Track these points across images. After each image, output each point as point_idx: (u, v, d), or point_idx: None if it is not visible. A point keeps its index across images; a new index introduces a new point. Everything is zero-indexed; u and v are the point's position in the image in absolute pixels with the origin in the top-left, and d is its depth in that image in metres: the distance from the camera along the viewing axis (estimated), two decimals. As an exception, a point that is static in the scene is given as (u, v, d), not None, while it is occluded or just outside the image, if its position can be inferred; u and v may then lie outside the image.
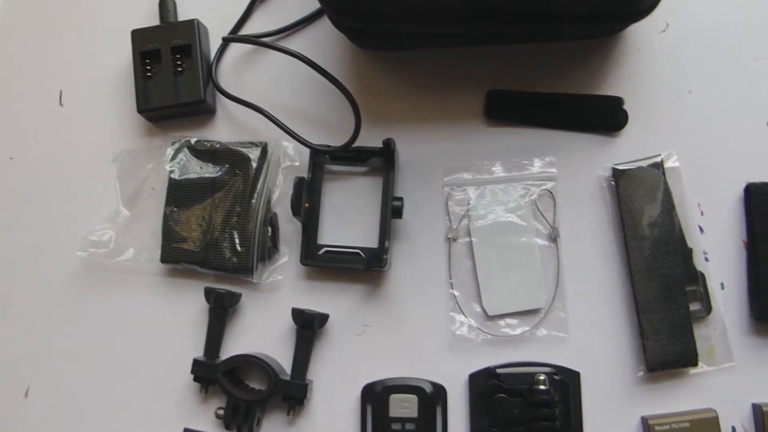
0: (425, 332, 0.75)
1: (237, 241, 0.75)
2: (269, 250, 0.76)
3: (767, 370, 0.72)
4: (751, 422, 0.72)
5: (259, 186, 0.76)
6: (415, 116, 0.78)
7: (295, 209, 0.71)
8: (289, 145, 0.78)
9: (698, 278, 0.73)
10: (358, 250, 0.76)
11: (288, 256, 0.77)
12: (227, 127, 0.80)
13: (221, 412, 0.74)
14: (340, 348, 0.76)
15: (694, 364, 0.71)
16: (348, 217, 0.77)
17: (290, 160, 0.78)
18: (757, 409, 0.71)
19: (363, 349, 0.75)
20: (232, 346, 0.76)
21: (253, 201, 0.76)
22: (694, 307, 0.72)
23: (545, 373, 0.71)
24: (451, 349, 0.74)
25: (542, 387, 0.70)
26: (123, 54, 0.80)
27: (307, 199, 0.75)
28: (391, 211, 0.72)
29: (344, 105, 0.73)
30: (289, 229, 0.78)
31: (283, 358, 0.75)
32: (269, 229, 0.76)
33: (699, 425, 0.70)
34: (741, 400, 0.72)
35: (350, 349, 0.75)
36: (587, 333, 0.74)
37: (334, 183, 0.78)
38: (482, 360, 0.74)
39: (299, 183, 0.72)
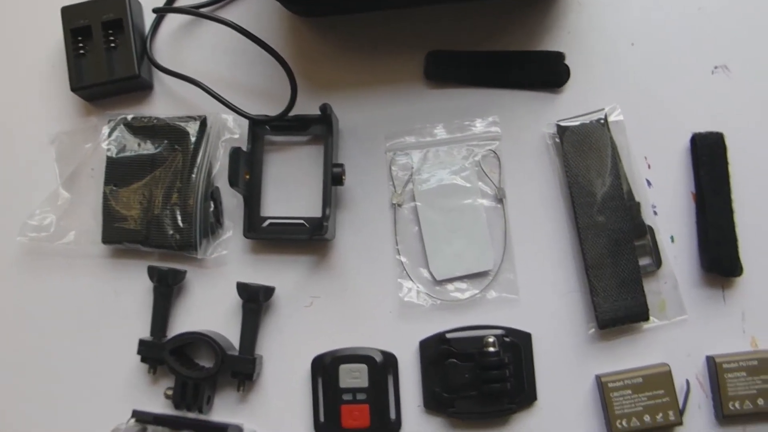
0: (374, 301, 0.74)
1: (179, 217, 0.74)
2: (212, 225, 0.75)
3: (719, 322, 0.71)
4: (706, 374, 0.71)
5: (198, 160, 0.74)
6: (355, 82, 0.76)
7: (232, 180, 0.70)
8: (229, 117, 0.77)
9: (647, 232, 0.71)
10: (302, 221, 0.75)
11: (232, 230, 0.76)
12: (165, 102, 0.78)
13: (170, 392, 0.72)
14: (288, 321, 0.74)
15: (646, 318, 0.70)
16: (291, 187, 0.76)
17: (230, 132, 0.77)
18: (710, 361, 0.70)
19: (312, 320, 0.74)
20: (180, 325, 0.75)
21: (193, 176, 0.74)
22: (644, 261, 0.71)
23: (495, 336, 0.70)
24: (401, 317, 0.73)
25: (491, 349, 0.69)
26: (55, 32, 0.78)
27: (247, 171, 0.73)
28: (331, 178, 0.71)
29: (283, 75, 0.71)
30: (233, 203, 0.76)
31: (231, 334, 0.74)
32: (211, 204, 0.75)
33: (652, 380, 0.69)
34: (695, 353, 0.71)
35: (299, 321, 0.74)
36: (537, 293, 0.73)
37: (277, 154, 0.77)
38: (433, 326, 0.72)
39: (234, 153, 0.70)
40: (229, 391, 0.74)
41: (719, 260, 0.70)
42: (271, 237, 0.74)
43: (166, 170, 0.75)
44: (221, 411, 0.74)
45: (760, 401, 0.69)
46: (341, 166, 0.71)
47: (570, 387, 0.71)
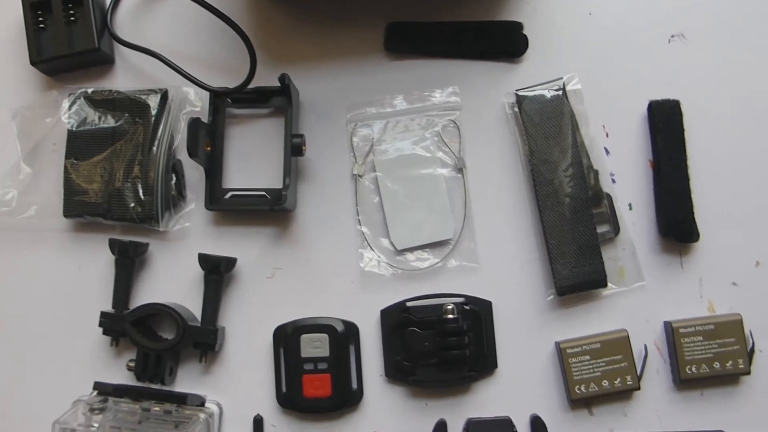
0: (336, 271, 0.74)
1: (140, 190, 0.74)
2: (174, 197, 0.75)
3: (677, 288, 0.72)
4: (664, 340, 0.72)
5: (159, 133, 0.74)
6: (316, 55, 0.76)
7: (191, 150, 0.70)
8: (190, 90, 0.77)
9: (605, 200, 0.72)
10: (264, 192, 0.75)
11: (195, 203, 0.76)
12: (127, 76, 0.78)
13: (132, 364, 0.73)
14: (251, 292, 0.75)
15: (604, 285, 0.71)
16: (254, 160, 0.76)
17: (191, 105, 0.77)
18: (668, 326, 0.71)
19: (274, 292, 0.74)
20: (143, 298, 0.75)
21: (154, 148, 0.74)
22: (603, 228, 0.72)
23: (455, 304, 0.70)
24: (363, 287, 0.74)
25: (450, 316, 0.69)
26: (14, 6, 0.77)
27: (207, 142, 0.73)
28: (291, 148, 0.71)
29: (245, 48, 0.71)
30: (196, 175, 0.76)
31: (194, 306, 0.74)
32: (173, 176, 0.75)
33: (610, 345, 0.70)
34: (653, 318, 0.72)
35: (262, 292, 0.74)
36: (497, 262, 0.73)
37: (239, 127, 0.77)
38: (394, 295, 0.73)
39: (193, 123, 0.70)
40: (192, 363, 0.74)
41: (675, 225, 0.71)
42: (232, 208, 0.75)
43: (127, 143, 0.75)
44: (185, 383, 0.74)
45: (717, 365, 0.69)
46: (301, 136, 0.71)
47: (530, 354, 0.72)
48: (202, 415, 0.70)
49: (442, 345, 0.69)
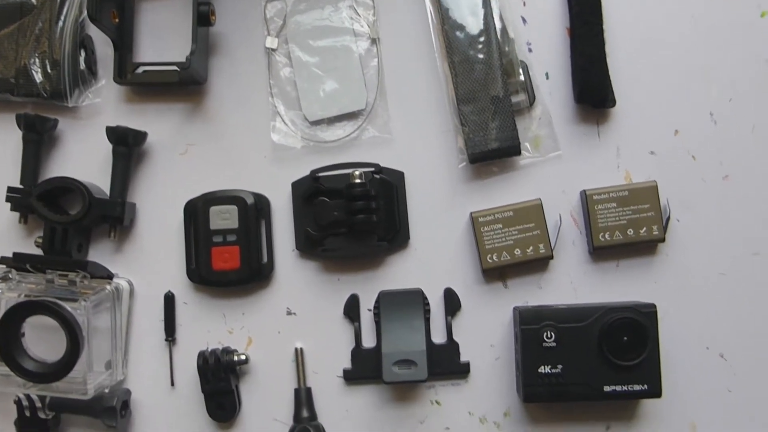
0: (248, 145, 0.73)
1: (48, 65, 0.72)
2: (84, 73, 0.73)
3: (594, 157, 0.71)
4: (580, 210, 0.70)
5: (66, 7, 0.73)
6: (229, -74, 0.74)
7: (92, 14, 0.68)
8: (99, -36, 0.75)
9: (520, 68, 0.70)
10: (175, 66, 0.73)
11: (106, 80, 0.74)
12: (36, -48, 0.76)
13: (41, 240, 0.71)
14: (164, 169, 0.73)
15: (517, 153, 0.69)
16: (166, 35, 0.74)
17: (100, -21, 0.74)
18: (583, 195, 0.69)
19: (188, 167, 0.73)
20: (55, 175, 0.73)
21: (61, 23, 0.72)
22: (518, 98, 0.70)
23: (365, 172, 0.69)
24: (276, 161, 0.72)
25: (357, 181, 0.68)
26: None
27: (115, 13, 0.72)
28: (198, 16, 0.69)
29: None
30: (108, 53, 0.74)
31: (107, 184, 0.72)
32: (82, 52, 0.73)
33: (523, 213, 0.68)
34: (569, 189, 0.71)
35: (175, 169, 0.73)
36: (412, 132, 0.72)
37: (152, 2, 0.75)
38: (307, 169, 0.71)
39: (93, -17, 0.68)
40: (103, 242, 0.73)
41: (590, 90, 0.69)
42: (140, 81, 0.73)
43: (34, 18, 0.73)
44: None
45: (631, 232, 0.68)
46: (208, 4, 0.69)
47: (444, 226, 0.71)
48: (108, 287, 0.69)
49: (349, 209, 0.67)
